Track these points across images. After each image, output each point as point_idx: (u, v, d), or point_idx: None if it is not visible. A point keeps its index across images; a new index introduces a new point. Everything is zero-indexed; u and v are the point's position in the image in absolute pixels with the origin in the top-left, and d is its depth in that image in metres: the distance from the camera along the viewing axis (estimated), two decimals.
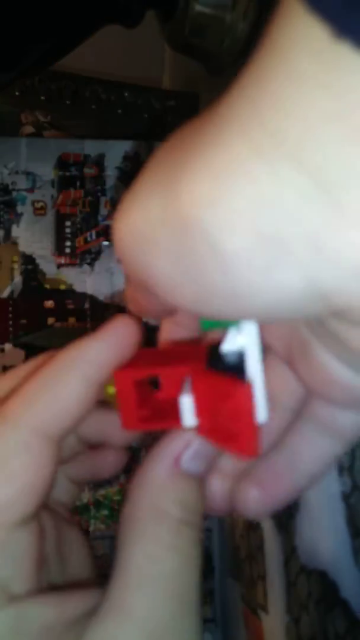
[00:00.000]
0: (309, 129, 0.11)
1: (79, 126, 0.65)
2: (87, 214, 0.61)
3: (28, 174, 0.60)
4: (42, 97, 0.64)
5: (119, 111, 0.65)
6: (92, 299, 0.60)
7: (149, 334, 0.23)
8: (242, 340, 0.19)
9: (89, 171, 0.61)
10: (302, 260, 0.13)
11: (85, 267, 0.60)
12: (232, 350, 0.20)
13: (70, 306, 0.59)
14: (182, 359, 0.21)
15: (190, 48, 0.51)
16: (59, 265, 0.60)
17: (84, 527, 0.57)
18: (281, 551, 0.43)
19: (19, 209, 0.60)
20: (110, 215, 0.61)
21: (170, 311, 0.21)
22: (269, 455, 0.22)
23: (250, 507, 0.22)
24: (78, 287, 0.60)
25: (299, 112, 0.11)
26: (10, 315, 0.58)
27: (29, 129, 0.64)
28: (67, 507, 0.25)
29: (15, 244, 0.60)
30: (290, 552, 0.41)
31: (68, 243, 0.60)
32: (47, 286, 0.60)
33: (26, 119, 0.64)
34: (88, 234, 0.60)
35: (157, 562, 0.19)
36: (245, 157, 0.12)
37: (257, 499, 0.21)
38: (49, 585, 0.21)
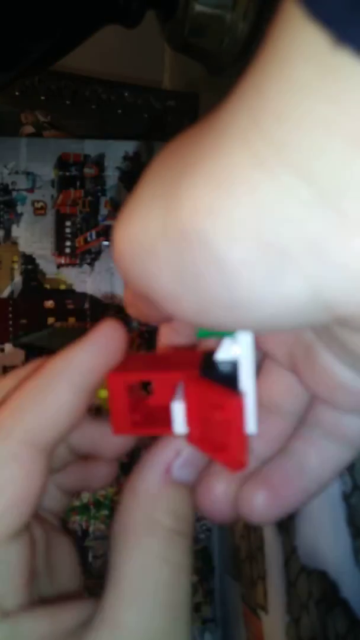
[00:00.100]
0: (309, 137, 0.11)
1: (79, 126, 0.65)
2: (87, 214, 0.61)
3: (28, 174, 0.60)
4: (42, 97, 0.64)
5: (119, 111, 0.65)
6: (92, 299, 0.60)
7: (151, 336, 0.23)
8: (236, 350, 0.19)
9: (89, 171, 0.61)
10: (306, 270, 0.12)
11: (85, 267, 0.60)
12: (226, 360, 0.20)
13: (70, 306, 0.59)
14: (177, 365, 0.21)
15: (190, 48, 0.51)
16: (59, 265, 0.60)
17: (84, 527, 0.57)
18: (281, 551, 0.43)
19: (19, 209, 0.60)
20: (110, 215, 0.61)
21: (171, 317, 0.21)
22: (275, 459, 0.21)
23: (256, 511, 0.21)
24: (78, 287, 0.60)
25: (299, 121, 0.11)
26: (10, 315, 0.58)
27: (29, 129, 0.64)
28: (57, 515, 0.25)
29: (15, 244, 0.60)
30: (290, 552, 0.41)
31: (68, 243, 0.60)
32: (47, 286, 0.60)
33: (26, 119, 0.64)
34: (88, 234, 0.60)
35: (149, 574, 0.19)
36: (245, 166, 0.12)
37: (264, 502, 0.21)
38: (39, 597, 0.21)
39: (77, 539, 0.57)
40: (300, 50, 0.11)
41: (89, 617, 0.19)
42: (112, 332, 0.21)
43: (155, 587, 0.19)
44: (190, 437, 0.20)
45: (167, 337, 0.24)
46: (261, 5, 0.45)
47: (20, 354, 0.58)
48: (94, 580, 0.57)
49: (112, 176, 0.61)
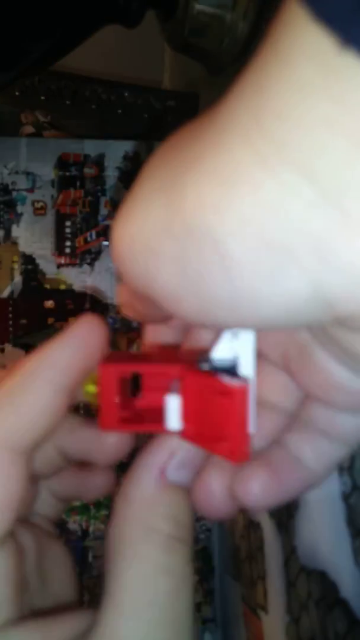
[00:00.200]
0: (311, 136, 0.11)
1: (79, 126, 0.65)
2: (87, 214, 0.61)
3: (28, 174, 0.60)
4: (42, 97, 0.64)
5: (119, 111, 0.65)
6: (92, 298, 0.60)
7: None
8: (237, 347, 0.19)
9: (89, 171, 0.61)
10: (308, 268, 0.12)
11: (85, 267, 0.60)
12: (225, 358, 0.19)
13: (70, 306, 0.59)
14: (167, 361, 0.21)
15: (190, 48, 0.51)
16: (59, 265, 0.60)
17: (84, 527, 0.57)
18: (281, 551, 0.43)
19: (19, 209, 0.60)
20: (110, 215, 0.61)
21: (168, 317, 0.21)
22: (271, 449, 0.21)
23: (253, 495, 0.20)
24: (78, 287, 0.60)
25: (301, 119, 0.11)
26: (10, 315, 0.58)
27: (29, 129, 0.64)
28: (51, 521, 0.24)
29: (15, 244, 0.60)
30: (290, 552, 0.41)
31: (68, 243, 0.60)
32: (47, 286, 0.60)
33: (26, 119, 0.64)
34: (88, 234, 0.60)
35: (149, 586, 0.18)
36: (247, 163, 0.12)
37: (261, 486, 0.20)
38: (31, 609, 0.20)
39: (77, 539, 0.57)
40: (303, 50, 0.11)
41: (85, 631, 0.18)
42: (91, 327, 0.20)
43: (155, 598, 0.18)
44: (184, 433, 0.19)
45: (153, 336, 0.23)
46: (261, 5, 0.45)
47: (20, 354, 0.58)
48: (93, 580, 0.57)
49: (112, 176, 0.61)
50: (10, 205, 0.60)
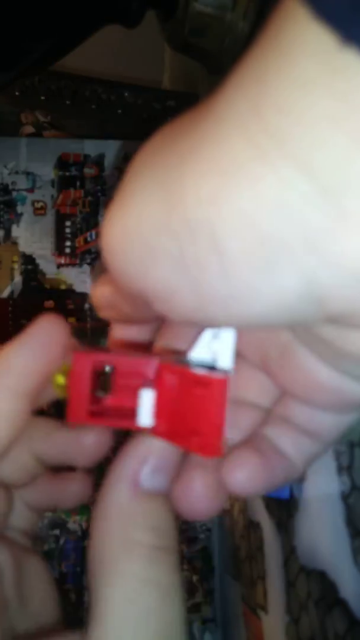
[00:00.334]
0: (313, 131, 0.11)
1: (79, 126, 0.65)
2: (87, 214, 0.61)
3: (28, 174, 0.60)
4: (42, 97, 0.64)
5: (119, 111, 0.65)
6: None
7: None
8: (215, 348, 0.19)
9: (89, 171, 0.61)
10: (301, 263, 0.12)
11: (85, 267, 0.60)
12: (203, 359, 0.19)
13: (70, 306, 0.59)
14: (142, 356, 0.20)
15: (190, 48, 0.51)
16: (59, 265, 0.60)
17: (84, 527, 0.57)
18: (281, 551, 0.43)
19: (19, 209, 0.60)
20: None
21: (156, 317, 0.21)
22: (253, 439, 0.21)
23: (242, 480, 0.19)
24: (78, 287, 0.60)
25: (303, 115, 0.11)
26: (10, 315, 0.58)
27: (29, 129, 0.64)
28: (27, 534, 0.23)
29: (15, 244, 0.60)
30: (289, 552, 0.41)
31: (68, 243, 0.60)
32: (47, 286, 0.60)
33: (26, 119, 0.64)
34: (88, 234, 0.60)
35: (135, 602, 0.17)
36: (246, 156, 0.12)
37: (251, 471, 0.19)
38: (12, 633, 0.19)
39: (77, 539, 0.57)
40: (305, 47, 0.11)
41: None
42: (51, 328, 0.19)
43: (143, 614, 0.17)
44: (156, 430, 0.19)
45: (121, 335, 0.23)
46: (261, 5, 0.45)
47: None
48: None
49: (112, 176, 0.61)
50: (10, 205, 0.60)
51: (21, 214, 0.60)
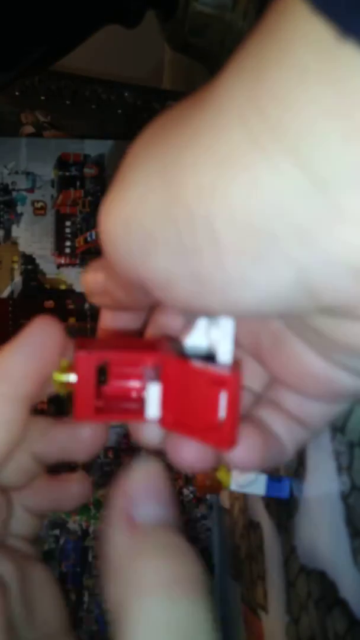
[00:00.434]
0: (309, 123, 0.11)
1: (79, 126, 0.65)
2: (87, 214, 0.61)
3: (28, 174, 0.60)
4: (42, 97, 0.64)
5: (119, 111, 0.65)
6: None
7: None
8: (213, 335, 0.18)
9: (89, 171, 0.61)
10: (292, 254, 0.13)
11: (85, 267, 0.60)
12: (198, 346, 0.19)
13: (70, 306, 0.59)
14: (139, 348, 0.20)
15: (190, 48, 0.51)
16: (59, 265, 0.60)
17: (84, 527, 0.57)
18: (281, 551, 0.43)
19: (19, 209, 0.60)
20: None
21: (145, 305, 0.20)
22: (246, 419, 0.20)
23: (241, 448, 0.19)
24: (78, 287, 0.60)
25: (301, 106, 0.11)
26: (10, 315, 0.58)
27: (29, 129, 0.64)
28: (28, 540, 0.23)
29: (15, 244, 0.60)
30: (289, 552, 0.41)
31: (68, 243, 0.60)
32: (47, 286, 0.60)
33: (26, 119, 0.64)
34: (88, 234, 0.60)
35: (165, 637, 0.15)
36: (241, 143, 0.12)
37: (251, 442, 0.19)
38: None
39: (77, 539, 0.57)
40: (303, 38, 0.11)
41: None
42: (45, 330, 0.19)
43: None
44: (163, 421, 0.19)
45: (111, 322, 0.22)
46: (261, 5, 0.45)
47: None
48: (93, 580, 0.57)
49: (112, 176, 0.61)
50: (10, 205, 0.60)
51: (21, 214, 0.60)
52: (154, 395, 0.19)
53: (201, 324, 0.19)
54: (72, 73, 0.65)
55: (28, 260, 0.60)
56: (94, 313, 0.59)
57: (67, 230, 0.60)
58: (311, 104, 0.11)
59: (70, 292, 0.60)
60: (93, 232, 0.60)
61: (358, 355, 0.17)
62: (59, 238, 0.60)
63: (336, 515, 0.33)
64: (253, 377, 0.21)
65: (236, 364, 0.18)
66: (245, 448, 0.19)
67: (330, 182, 0.12)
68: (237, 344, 0.20)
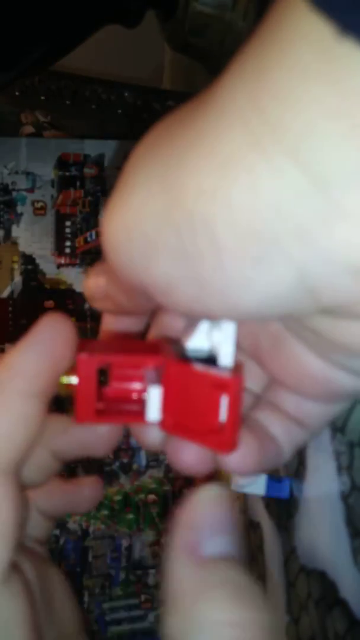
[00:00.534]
0: (310, 124, 0.11)
1: (79, 126, 0.65)
2: (87, 214, 0.61)
3: (28, 174, 0.60)
4: (42, 97, 0.64)
5: (119, 111, 0.65)
6: None
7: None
8: (214, 338, 0.19)
9: (89, 171, 0.61)
10: (293, 256, 0.13)
11: (85, 267, 0.60)
12: (200, 349, 0.19)
13: (70, 306, 0.59)
14: (141, 351, 0.20)
15: (190, 48, 0.51)
16: (59, 265, 0.60)
17: (84, 527, 0.57)
18: (281, 551, 0.43)
19: (19, 209, 0.60)
20: None
21: (147, 309, 0.20)
22: (248, 420, 0.21)
23: (237, 454, 0.19)
24: (78, 287, 0.60)
25: (301, 107, 0.11)
26: (10, 315, 0.58)
27: (29, 129, 0.64)
28: (41, 542, 0.23)
29: (15, 244, 0.60)
30: (289, 552, 0.41)
31: (68, 243, 0.60)
32: (47, 286, 0.60)
33: (26, 119, 0.64)
34: (88, 234, 0.60)
35: None
36: (245, 150, 0.12)
37: (246, 447, 0.19)
38: None
39: (77, 539, 0.57)
40: (303, 37, 0.11)
41: None
42: (56, 327, 0.19)
43: None
44: (163, 424, 0.19)
45: (113, 325, 0.23)
46: (261, 5, 0.45)
47: None
48: (93, 580, 0.57)
49: (112, 176, 0.61)
50: (10, 205, 0.60)
51: (21, 214, 0.60)
52: (154, 398, 0.19)
53: (203, 326, 0.19)
54: (72, 73, 0.65)
55: (28, 260, 0.60)
56: (94, 313, 0.59)
57: (67, 230, 0.60)
58: (311, 104, 0.11)
59: (70, 292, 0.60)
60: (93, 232, 0.60)
61: (356, 355, 0.17)
62: (59, 238, 0.60)
63: (336, 515, 0.33)
64: (252, 379, 0.21)
65: (238, 367, 0.19)
66: (241, 453, 0.19)
67: (331, 182, 0.12)
68: (236, 345, 0.20)
